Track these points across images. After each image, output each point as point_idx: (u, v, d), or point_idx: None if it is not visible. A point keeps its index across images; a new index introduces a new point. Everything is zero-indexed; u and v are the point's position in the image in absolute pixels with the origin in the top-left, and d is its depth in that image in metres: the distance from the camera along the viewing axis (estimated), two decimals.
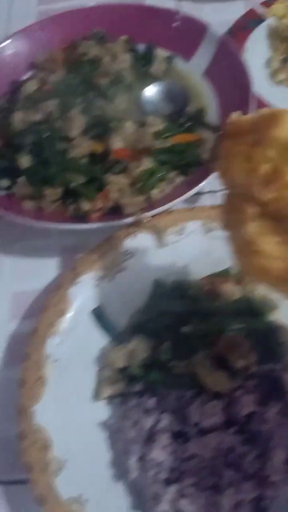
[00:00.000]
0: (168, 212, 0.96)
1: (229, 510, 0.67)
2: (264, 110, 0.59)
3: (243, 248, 0.57)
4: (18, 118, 1.09)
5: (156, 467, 0.71)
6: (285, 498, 0.70)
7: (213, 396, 0.76)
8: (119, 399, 0.82)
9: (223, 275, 0.90)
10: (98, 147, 1.04)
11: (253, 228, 0.54)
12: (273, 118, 0.56)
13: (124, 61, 1.21)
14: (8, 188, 1.07)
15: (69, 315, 0.88)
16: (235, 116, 0.60)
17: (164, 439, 0.73)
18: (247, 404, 0.73)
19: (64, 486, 0.72)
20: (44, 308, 0.88)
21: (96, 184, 1.02)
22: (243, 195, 0.55)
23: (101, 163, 1.03)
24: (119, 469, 0.76)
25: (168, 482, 0.70)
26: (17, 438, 0.76)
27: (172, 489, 0.69)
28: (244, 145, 0.57)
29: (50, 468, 0.73)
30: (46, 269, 1.04)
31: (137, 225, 0.95)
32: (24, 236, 1.09)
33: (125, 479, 0.75)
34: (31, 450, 0.74)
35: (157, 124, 1.07)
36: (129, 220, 0.94)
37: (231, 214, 0.59)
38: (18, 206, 1.04)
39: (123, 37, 1.27)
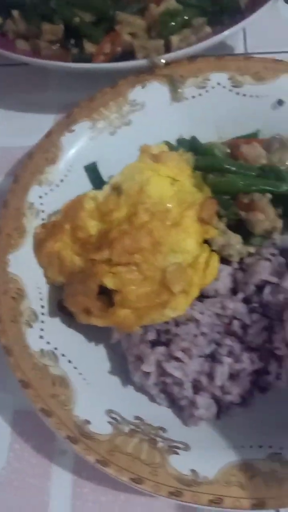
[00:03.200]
0: (189, 59, 0.80)
1: (222, 380, 0.59)
2: (66, 206, 0.71)
3: None
4: None
5: (143, 327, 0.62)
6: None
7: (221, 260, 0.65)
8: None
9: (251, 137, 0.76)
10: None
11: None
12: (77, 204, 0.69)
13: None
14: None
15: (60, 165, 0.75)
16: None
17: None
18: (260, 271, 0.62)
19: (37, 338, 0.63)
20: (31, 153, 0.75)
21: (106, 24, 0.85)
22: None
23: None
24: (102, 332, 0.67)
25: (155, 343, 0.61)
26: None
27: (160, 350, 0.60)
28: (66, 235, 0.68)
29: (22, 319, 0.64)
30: (41, 126, 0.88)
31: (149, 72, 0.80)
32: (17, 88, 0.94)
33: (106, 341, 0.67)
34: (2, 299, 0.65)
35: None
36: (140, 63, 0.78)
37: None
38: (12, 45, 0.88)
39: None
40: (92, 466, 0.66)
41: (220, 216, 0.66)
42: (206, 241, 0.65)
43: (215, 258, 0.63)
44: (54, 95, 0.92)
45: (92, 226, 0.68)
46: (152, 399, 0.64)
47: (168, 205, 0.64)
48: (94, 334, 0.69)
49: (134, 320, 0.61)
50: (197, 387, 0.61)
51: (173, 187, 0.67)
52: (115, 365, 0.67)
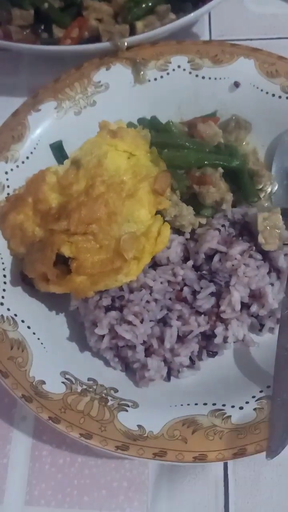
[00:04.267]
0: (151, 43, 0.82)
1: (171, 342, 0.61)
2: (29, 180, 0.74)
3: None
4: None
5: (98, 294, 0.64)
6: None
7: (174, 231, 0.68)
8: None
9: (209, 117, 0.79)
10: None
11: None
12: (39, 177, 0.71)
13: None
14: None
15: (26, 143, 0.77)
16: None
17: None
18: (209, 240, 0.65)
19: None
20: None
21: (74, 10, 0.88)
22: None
23: None
24: (62, 301, 0.69)
25: (109, 309, 0.64)
26: None
27: (113, 314, 0.62)
28: (28, 207, 0.70)
29: None
30: (11, 109, 0.92)
31: (114, 55, 0.82)
32: None
33: (66, 310, 0.70)
34: None
35: None
36: (104, 45, 0.81)
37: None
38: None
39: None
40: (51, 431, 0.69)
41: (173, 189, 0.69)
42: (159, 212, 0.68)
43: (167, 228, 0.66)
44: (24, 79, 0.95)
45: (53, 199, 0.71)
46: (107, 363, 0.67)
47: (123, 177, 0.67)
48: (55, 303, 0.72)
49: (89, 286, 0.64)
50: (148, 351, 0.64)
51: (130, 161, 0.70)
52: (74, 332, 0.70)
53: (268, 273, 0.66)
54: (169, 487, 0.65)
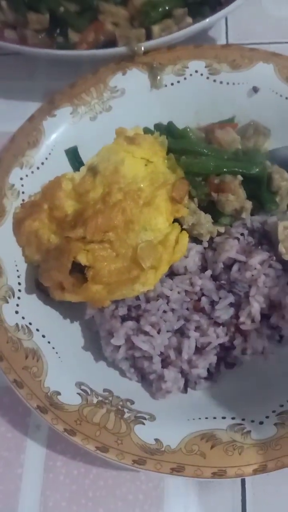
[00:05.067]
0: (169, 48, 0.81)
1: (189, 353, 0.60)
2: (45, 186, 0.73)
3: None
4: None
5: (114, 303, 0.63)
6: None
7: (192, 239, 0.67)
8: None
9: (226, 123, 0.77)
10: None
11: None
12: (55, 184, 0.71)
13: None
14: None
15: (41, 149, 0.77)
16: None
17: None
18: (228, 250, 0.63)
19: (12, 313, 0.65)
20: (13, 137, 0.76)
21: (90, 14, 0.87)
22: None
23: None
24: (77, 310, 0.69)
25: (126, 318, 0.63)
26: None
27: (129, 324, 0.61)
28: (43, 214, 0.69)
29: None
30: (26, 113, 0.90)
31: (130, 59, 0.81)
32: (4, 76, 0.96)
33: (81, 319, 0.69)
34: None
35: None
36: (121, 50, 0.80)
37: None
38: (1, 35, 0.90)
39: None
40: (65, 441, 0.68)
41: (191, 197, 0.68)
42: (177, 220, 0.67)
43: (185, 236, 0.65)
44: (40, 84, 0.95)
45: (69, 206, 0.70)
46: (123, 374, 0.66)
47: (141, 184, 0.66)
48: (69, 311, 0.71)
49: (105, 295, 0.63)
50: (165, 362, 0.63)
51: (147, 168, 0.68)
52: (89, 342, 0.69)
53: None
54: (185, 500, 0.64)
